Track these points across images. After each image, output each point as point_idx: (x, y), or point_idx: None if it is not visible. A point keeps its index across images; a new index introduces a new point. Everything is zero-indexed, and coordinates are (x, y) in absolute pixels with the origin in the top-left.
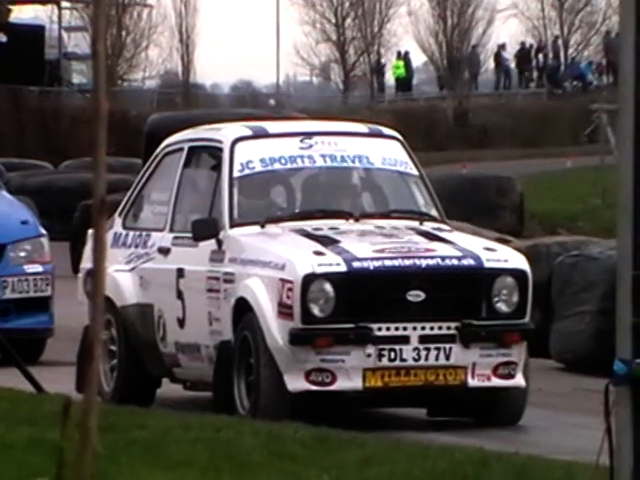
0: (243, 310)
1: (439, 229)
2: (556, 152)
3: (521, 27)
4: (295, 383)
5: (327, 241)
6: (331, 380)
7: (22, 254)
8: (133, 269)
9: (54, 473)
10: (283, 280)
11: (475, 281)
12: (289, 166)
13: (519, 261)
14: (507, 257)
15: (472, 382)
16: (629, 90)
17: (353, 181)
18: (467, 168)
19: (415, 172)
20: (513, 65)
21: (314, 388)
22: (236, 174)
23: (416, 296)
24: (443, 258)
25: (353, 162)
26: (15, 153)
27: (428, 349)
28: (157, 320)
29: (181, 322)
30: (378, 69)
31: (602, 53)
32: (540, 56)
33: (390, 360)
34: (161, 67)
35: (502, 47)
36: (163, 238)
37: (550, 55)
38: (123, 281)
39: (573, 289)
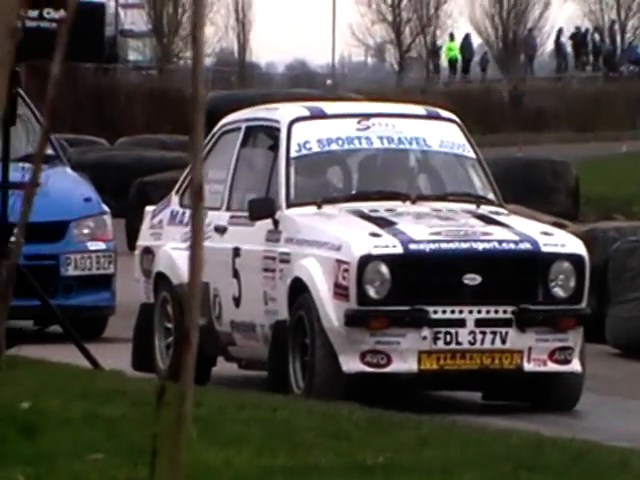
0: (299, 290)
1: (496, 213)
2: (612, 136)
3: (578, 10)
4: (350, 364)
5: (383, 223)
6: (386, 362)
7: (85, 231)
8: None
9: (109, 449)
10: (339, 261)
11: (532, 265)
12: (346, 147)
13: (576, 246)
14: (564, 242)
15: (528, 366)
16: None
17: (410, 163)
18: (522, 151)
19: (472, 155)
20: (569, 49)
21: (369, 370)
22: (293, 154)
23: (472, 279)
24: (500, 242)
25: (410, 144)
26: (71, 129)
27: (484, 333)
28: (213, 299)
29: (237, 301)
30: (434, 51)
31: None
32: (596, 39)
33: (446, 343)
34: (217, 45)
35: (561, 31)
36: (220, 217)
37: (607, 39)
38: (179, 259)
39: (629, 275)
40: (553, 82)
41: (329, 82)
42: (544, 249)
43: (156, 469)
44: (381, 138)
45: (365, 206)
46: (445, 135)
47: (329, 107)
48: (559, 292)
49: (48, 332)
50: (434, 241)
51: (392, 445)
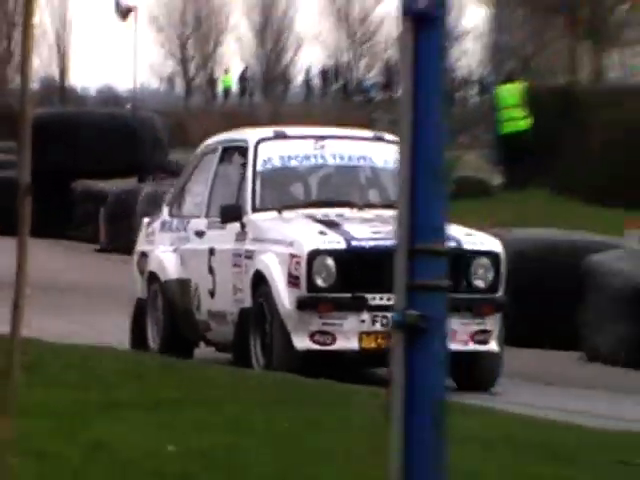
0: (259, 281)
1: None
2: None
3: (322, 53)
4: (301, 342)
5: (332, 224)
6: (332, 341)
7: None
8: (176, 250)
9: None
10: (292, 255)
11: (456, 261)
12: (304, 163)
13: (493, 244)
14: (483, 241)
15: (453, 346)
16: (407, 106)
17: (359, 177)
18: None
19: None
20: (316, 81)
21: (317, 347)
22: (259, 168)
23: None
24: None
25: (359, 161)
26: None
27: None
28: (194, 292)
29: (212, 293)
30: (211, 81)
31: (383, 75)
32: (337, 75)
33: (382, 325)
34: (42, 73)
35: (309, 68)
36: (200, 223)
37: (345, 75)
38: (167, 260)
39: None
40: (306, 106)
41: (128, 106)
42: (466, 247)
43: None
44: (334, 155)
45: (318, 212)
46: (388, 155)
47: (290, 130)
48: (479, 283)
49: None
50: (373, 239)
51: (182, 384)
